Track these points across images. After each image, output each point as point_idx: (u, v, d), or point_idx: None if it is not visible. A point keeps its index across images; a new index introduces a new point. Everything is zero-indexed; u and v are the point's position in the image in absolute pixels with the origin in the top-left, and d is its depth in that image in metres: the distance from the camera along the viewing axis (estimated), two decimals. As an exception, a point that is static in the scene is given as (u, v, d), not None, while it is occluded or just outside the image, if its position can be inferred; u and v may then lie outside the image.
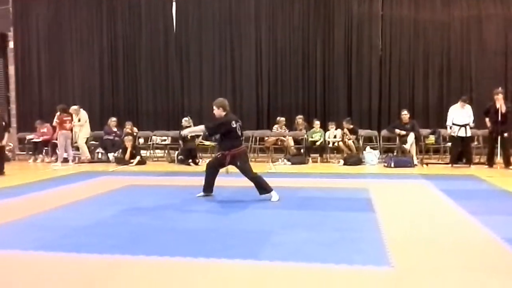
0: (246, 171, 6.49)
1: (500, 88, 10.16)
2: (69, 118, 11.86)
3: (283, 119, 12.37)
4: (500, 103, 9.91)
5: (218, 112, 6.48)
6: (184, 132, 7.50)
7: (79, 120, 12.32)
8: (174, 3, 13.82)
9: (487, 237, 4.46)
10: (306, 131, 12.10)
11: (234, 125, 6.40)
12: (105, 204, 6.39)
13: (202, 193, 6.73)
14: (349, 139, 11.42)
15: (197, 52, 13.73)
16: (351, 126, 11.65)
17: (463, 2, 12.39)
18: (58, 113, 11.77)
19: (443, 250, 4.09)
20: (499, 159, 10.19)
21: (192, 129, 6.96)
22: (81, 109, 12.55)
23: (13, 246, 4.28)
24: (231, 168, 6.63)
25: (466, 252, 4.02)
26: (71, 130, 12.05)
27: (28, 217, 5.56)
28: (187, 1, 13.77)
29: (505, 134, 9.89)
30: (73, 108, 12.36)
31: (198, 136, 11.71)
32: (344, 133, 11.56)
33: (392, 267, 3.59)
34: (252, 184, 6.53)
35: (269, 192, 6.43)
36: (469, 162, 10.41)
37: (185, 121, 12.06)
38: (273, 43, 13.28)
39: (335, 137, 11.78)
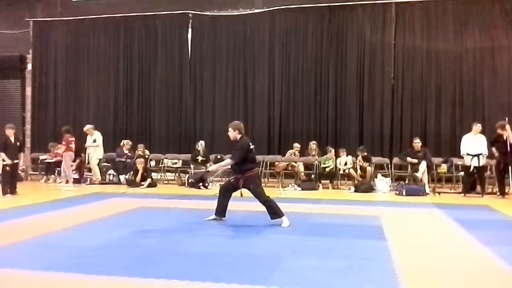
0: (259, 195, 6.48)
1: (506, 119, 10.07)
2: (73, 139, 11.76)
3: (298, 145, 12.34)
4: (507, 135, 9.83)
5: (233, 134, 6.52)
6: (213, 167, 7.37)
7: (94, 141, 12.44)
8: (190, 29, 14.08)
9: (500, 268, 4.39)
10: (318, 157, 12.09)
11: (251, 147, 6.49)
12: (115, 226, 6.41)
13: (212, 217, 6.72)
14: (365, 166, 11.38)
15: (211, 77, 13.90)
16: (366, 154, 11.62)
17: (476, 32, 12.43)
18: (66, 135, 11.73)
19: (455, 280, 4.02)
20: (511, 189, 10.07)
21: (219, 164, 7.01)
22: (95, 130, 12.68)
23: (23, 265, 4.29)
24: (244, 192, 6.60)
25: (478, 283, 3.96)
26: (84, 150, 12.27)
27: (38, 237, 5.59)
28: (202, 27, 14.02)
29: None
30: (88, 127, 12.53)
31: (208, 160, 11.76)
32: (358, 160, 11.51)
33: (404, 297, 3.54)
34: (263, 208, 6.51)
35: (281, 217, 6.39)
36: (482, 192, 10.29)
37: (199, 145, 12.16)
38: (285, 69, 13.41)
39: (345, 164, 11.75)
